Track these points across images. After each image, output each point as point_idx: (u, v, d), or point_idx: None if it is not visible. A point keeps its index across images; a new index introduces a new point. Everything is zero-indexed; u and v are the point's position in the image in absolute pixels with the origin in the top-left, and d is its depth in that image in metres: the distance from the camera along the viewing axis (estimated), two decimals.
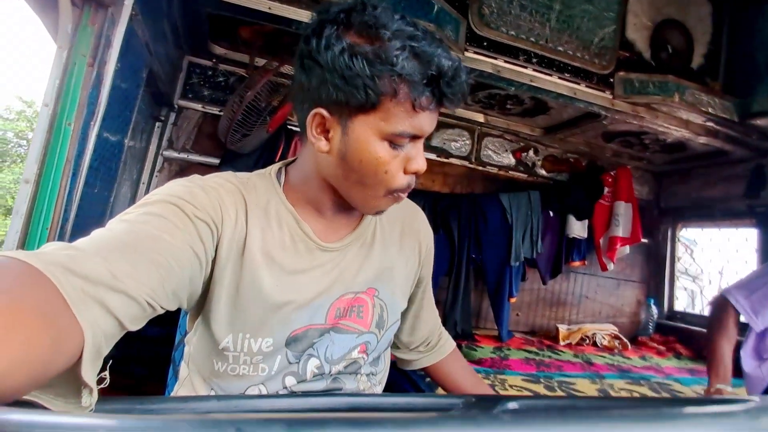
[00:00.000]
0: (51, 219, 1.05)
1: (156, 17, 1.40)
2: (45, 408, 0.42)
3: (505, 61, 1.81)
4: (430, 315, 1.04)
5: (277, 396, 0.76)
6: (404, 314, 0.98)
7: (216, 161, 2.07)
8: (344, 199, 0.76)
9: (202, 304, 0.74)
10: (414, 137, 0.68)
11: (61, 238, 1.09)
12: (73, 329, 0.43)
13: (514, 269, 2.43)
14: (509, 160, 2.67)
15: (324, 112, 0.68)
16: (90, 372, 0.44)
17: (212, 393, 0.78)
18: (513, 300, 2.46)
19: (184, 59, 2.08)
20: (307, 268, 0.77)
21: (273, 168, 0.83)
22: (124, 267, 0.51)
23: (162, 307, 0.58)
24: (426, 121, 0.67)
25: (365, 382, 0.86)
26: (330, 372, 0.80)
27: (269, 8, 1.50)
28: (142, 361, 1.37)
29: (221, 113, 2.06)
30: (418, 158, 0.69)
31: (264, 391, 0.76)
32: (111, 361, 0.51)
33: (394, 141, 0.67)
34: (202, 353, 0.79)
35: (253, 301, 0.73)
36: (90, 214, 1.23)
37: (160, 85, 1.75)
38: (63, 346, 0.41)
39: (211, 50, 2.05)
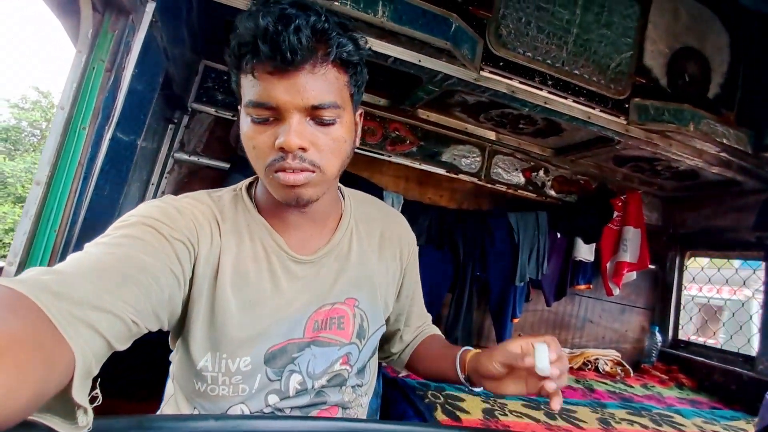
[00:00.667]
0: (60, 221, 1.06)
1: (175, 23, 1.41)
2: (47, 429, 0.42)
3: (520, 82, 1.81)
4: (421, 312, 1.07)
5: (277, 417, 0.75)
6: (395, 321, 1.02)
7: (225, 165, 2.07)
8: (296, 208, 0.76)
9: (182, 324, 0.74)
10: (267, 108, 0.64)
11: (68, 240, 1.09)
12: (63, 352, 0.43)
13: (518, 289, 2.42)
14: (519, 178, 2.65)
15: (240, 107, 0.71)
16: (81, 393, 0.44)
17: (195, 412, 0.77)
18: (516, 320, 2.44)
19: (200, 63, 2.09)
20: (282, 282, 0.76)
21: (244, 183, 0.84)
22: (107, 287, 0.52)
23: (146, 327, 0.58)
24: (271, 89, 0.63)
25: (350, 394, 0.85)
26: (313, 387, 0.79)
27: None
28: (141, 369, 1.36)
29: (234, 118, 2.06)
30: (284, 134, 0.64)
31: (246, 411, 0.75)
32: (99, 380, 0.51)
33: (251, 114, 0.66)
34: (183, 372, 0.78)
35: (229, 319, 0.72)
36: (99, 217, 1.23)
37: (175, 88, 1.75)
38: (54, 369, 0.42)
39: (227, 56, 2.06)
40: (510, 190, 2.64)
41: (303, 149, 0.65)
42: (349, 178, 2.06)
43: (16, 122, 13.32)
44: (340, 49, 0.66)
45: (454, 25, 1.58)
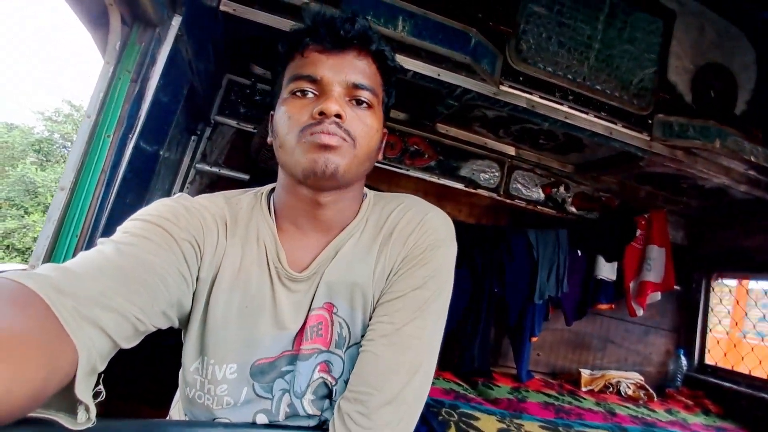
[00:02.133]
0: (81, 227, 1.08)
1: (201, 38, 1.45)
2: (47, 424, 0.43)
3: (541, 97, 1.80)
4: (387, 363, 0.70)
5: (287, 428, 0.73)
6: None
7: (245, 177, 2.11)
8: (305, 195, 0.73)
9: (187, 325, 0.73)
10: (311, 80, 0.69)
11: (89, 245, 1.11)
12: (67, 348, 0.44)
13: (537, 307, 2.37)
14: (538, 194, 2.62)
15: (272, 112, 0.76)
16: (84, 389, 0.45)
17: (185, 419, 0.76)
18: (534, 339, 2.39)
19: (224, 77, 2.14)
20: (281, 296, 0.74)
21: (267, 187, 0.83)
22: (114, 286, 0.53)
23: (153, 326, 0.59)
24: (318, 64, 0.69)
25: None
26: (304, 408, 0.74)
27: None
28: (154, 372, 1.37)
29: (255, 131, 2.10)
30: (325, 101, 0.67)
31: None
32: (102, 375, 0.52)
33: (293, 88, 0.70)
34: (180, 376, 0.77)
35: (223, 321, 0.71)
36: (119, 223, 1.25)
37: (199, 100, 1.79)
38: (58, 365, 0.42)
39: (251, 69, 2.11)
40: (529, 206, 2.60)
41: (340, 116, 0.67)
42: None
43: (48, 134, 13.84)
44: (380, 48, 0.73)
45: (473, 40, 1.59)
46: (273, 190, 0.82)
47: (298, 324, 0.75)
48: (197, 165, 2.12)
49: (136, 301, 0.54)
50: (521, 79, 1.77)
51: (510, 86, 1.75)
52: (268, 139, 0.78)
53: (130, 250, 0.59)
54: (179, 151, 2.01)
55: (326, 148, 0.66)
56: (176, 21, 1.17)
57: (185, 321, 0.73)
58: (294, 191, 0.74)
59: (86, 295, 0.48)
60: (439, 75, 1.64)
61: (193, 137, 2.09)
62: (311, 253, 0.77)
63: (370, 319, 0.76)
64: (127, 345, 0.54)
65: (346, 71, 0.69)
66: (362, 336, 0.75)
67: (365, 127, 0.71)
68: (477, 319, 2.34)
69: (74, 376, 0.44)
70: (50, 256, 1.07)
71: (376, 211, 0.82)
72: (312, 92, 0.69)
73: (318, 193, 0.72)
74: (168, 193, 2.03)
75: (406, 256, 0.76)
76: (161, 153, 1.49)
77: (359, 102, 0.71)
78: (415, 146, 2.39)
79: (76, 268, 0.52)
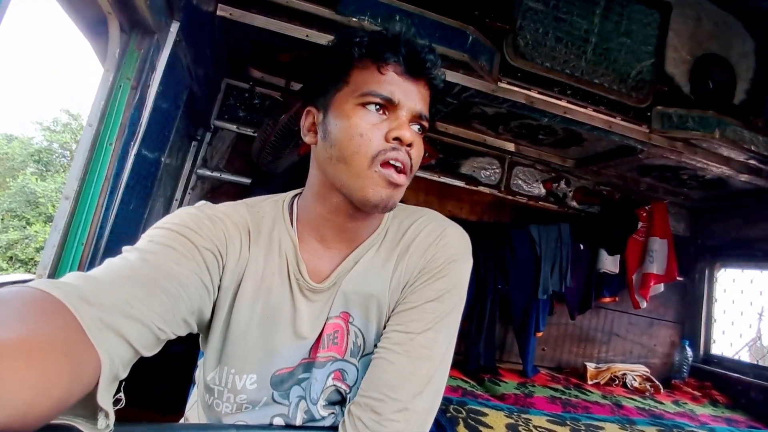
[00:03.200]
0: (87, 234, 1.08)
1: (198, 43, 1.45)
2: (67, 429, 0.44)
3: (539, 92, 1.80)
4: (399, 372, 0.70)
5: (302, 428, 0.74)
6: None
7: (247, 181, 2.11)
8: (345, 210, 0.73)
9: (206, 332, 0.74)
10: (387, 101, 0.69)
11: (95, 253, 1.11)
12: (90, 357, 0.44)
13: (541, 303, 2.37)
14: (539, 190, 2.63)
15: (312, 108, 0.76)
16: (106, 397, 0.46)
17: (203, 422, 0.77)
18: (539, 334, 2.39)
19: (223, 81, 2.15)
20: (301, 306, 0.75)
21: (288, 194, 0.83)
22: (137, 295, 0.53)
23: (174, 333, 0.60)
24: (395, 86, 0.70)
25: None
26: (319, 413, 0.76)
27: (306, 36, 1.54)
28: (165, 378, 1.37)
29: (255, 134, 2.10)
30: (401, 127, 0.69)
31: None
32: (123, 383, 0.53)
33: (365, 102, 0.69)
34: (199, 382, 0.78)
35: (244, 332, 0.72)
36: (124, 230, 1.26)
37: (198, 105, 1.80)
38: (81, 373, 0.43)
39: (249, 73, 2.12)
40: (531, 202, 2.61)
41: (411, 146, 0.70)
42: None
43: (47, 144, 13.83)
44: (439, 81, 0.75)
45: (471, 38, 1.59)
46: (295, 196, 0.83)
47: (316, 333, 0.76)
48: (198, 170, 2.13)
49: (157, 310, 0.55)
50: (519, 75, 1.77)
51: (508, 83, 1.75)
52: (308, 138, 0.77)
53: (153, 258, 0.60)
54: (180, 157, 2.01)
55: (396, 186, 0.69)
56: (174, 27, 1.18)
57: (204, 328, 0.74)
58: (329, 199, 0.74)
59: (110, 304, 0.49)
60: None
61: (193, 143, 2.09)
62: (331, 264, 0.77)
63: (384, 328, 0.76)
64: (148, 353, 0.55)
65: (416, 100, 0.71)
66: (375, 345, 0.75)
67: (420, 154, 0.73)
68: (482, 316, 2.34)
69: (96, 384, 0.44)
70: (57, 265, 1.07)
71: (395, 224, 0.82)
72: (383, 110, 0.70)
73: (356, 209, 0.72)
74: (170, 200, 2.04)
75: (423, 268, 0.77)
76: (163, 159, 1.49)
77: (418, 129, 0.73)
78: None
79: (101, 277, 0.52)
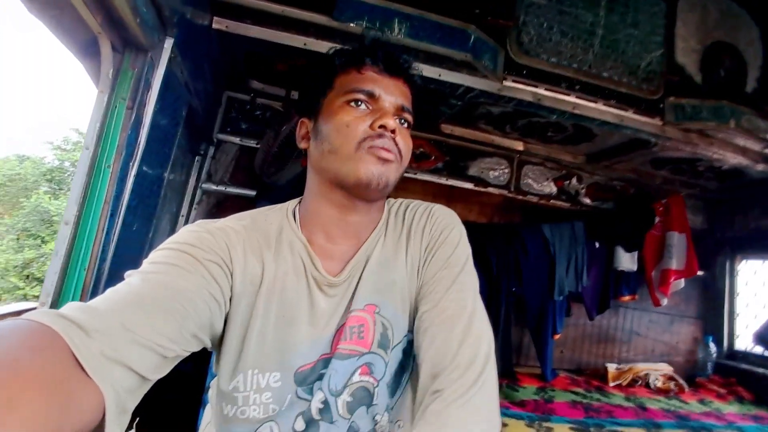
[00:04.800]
0: (89, 260, 1.06)
1: (195, 57, 1.43)
2: None
3: (547, 89, 1.75)
4: (440, 341, 0.70)
5: None
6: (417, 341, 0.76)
7: (252, 193, 2.09)
8: (345, 203, 0.79)
9: (221, 344, 0.75)
10: (369, 95, 0.77)
11: (98, 278, 1.09)
12: (90, 392, 0.44)
13: (557, 304, 2.31)
14: (550, 188, 2.57)
15: (304, 119, 0.85)
16: (116, 429, 0.47)
17: None
18: (557, 336, 2.33)
19: (224, 94, 2.13)
20: (318, 302, 0.77)
21: (291, 202, 0.88)
22: (140, 319, 0.54)
23: (185, 350, 0.61)
24: (375, 83, 0.78)
25: (385, 422, 0.78)
26: (337, 408, 0.75)
27: (304, 44, 1.51)
28: (173, 402, 1.35)
29: (258, 146, 2.08)
30: (384, 116, 0.75)
31: (276, 430, 0.73)
32: (138, 419, 0.52)
33: (350, 98, 0.76)
34: (215, 398, 0.78)
35: (263, 333, 0.73)
36: (128, 253, 1.24)
37: (199, 120, 1.78)
38: (78, 408, 0.43)
39: (249, 85, 2.10)
40: (542, 201, 2.55)
41: (394, 132, 0.75)
42: None
43: (59, 163, 14.03)
44: (417, 78, 0.86)
45: (472, 36, 1.55)
46: (298, 203, 0.88)
47: (334, 326, 0.77)
48: (203, 185, 2.11)
49: (162, 330, 0.56)
50: (525, 72, 1.73)
51: (514, 81, 1.70)
52: (302, 144, 0.84)
53: (155, 278, 0.61)
54: (183, 172, 1.99)
55: (384, 161, 0.74)
56: (168, 43, 1.15)
57: (218, 341, 0.74)
58: (328, 197, 0.79)
59: (110, 333, 0.49)
60: (440, 75, 1.61)
61: (197, 158, 2.07)
62: (342, 259, 0.81)
63: (414, 314, 0.80)
64: (157, 376, 0.56)
65: (397, 94, 0.79)
66: (408, 333, 0.80)
67: (407, 146, 0.79)
68: (496, 320, 2.28)
69: (103, 418, 0.45)
70: (60, 292, 1.05)
71: (392, 216, 0.88)
72: (366, 105, 0.77)
73: (355, 199, 0.78)
74: (176, 216, 2.02)
75: (426, 246, 0.83)
76: (165, 177, 1.47)
77: (403, 122, 0.80)
78: (421, 149, 2.35)
79: (101, 306, 0.53)
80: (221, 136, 2.13)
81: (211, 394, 0.83)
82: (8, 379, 0.38)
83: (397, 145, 0.75)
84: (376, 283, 0.80)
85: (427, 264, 0.81)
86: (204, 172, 2.12)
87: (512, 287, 2.30)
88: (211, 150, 2.13)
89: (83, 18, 0.89)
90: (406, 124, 0.81)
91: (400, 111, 0.79)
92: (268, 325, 0.73)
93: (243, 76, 2.05)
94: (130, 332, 0.51)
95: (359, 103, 0.76)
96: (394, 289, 0.80)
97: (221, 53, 1.70)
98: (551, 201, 2.56)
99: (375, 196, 0.78)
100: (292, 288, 0.76)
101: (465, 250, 0.83)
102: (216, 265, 0.68)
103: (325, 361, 0.76)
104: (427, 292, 0.78)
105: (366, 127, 0.74)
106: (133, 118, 1.08)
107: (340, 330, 0.77)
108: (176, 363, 0.60)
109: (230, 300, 0.72)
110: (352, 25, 1.47)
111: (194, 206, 2.11)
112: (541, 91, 1.75)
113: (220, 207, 2.13)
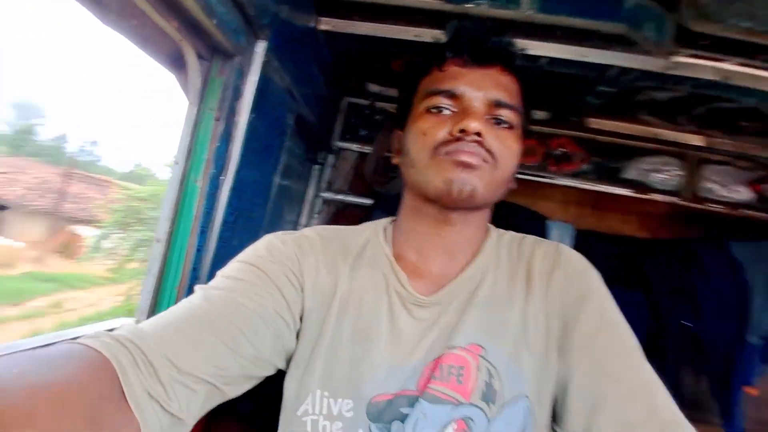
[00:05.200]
0: (179, 278, 1.03)
1: (298, 61, 1.35)
2: None
3: (738, 64, 1.32)
4: (626, 398, 0.62)
5: None
6: (566, 390, 0.66)
7: (370, 202, 2.00)
8: (434, 215, 0.72)
9: (288, 363, 0.70)
10: (449, 95, 0.68)
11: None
12: (130, 423, 0.43)
13: (753, 347, 1.77)
14: (742, 194, 1.97)
15: (398, 130, 0.79)
16: None
17: None
18: (752, 391, 1.78)
19: (343, 100, 2.07)
20: (401, 323, 0.68)
21: (387, 218, 0.84)
22: (186, 350, 0.52)
23: (245, 375, 0.60)
24: (458, 78, 0.68)
25: None
26: None
27: (415, 35, 1.35)
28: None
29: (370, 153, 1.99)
30: (465, 118, 0.65)
31: None
32: None
33: (429, 105, 0.69)
34: (282, 426, 0.72)
35: (336, 348, 0.67)
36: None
37: (313, 128, 1.72)
38: None
39: (366, 88, 2.02)
40: (730, 211, 1.97)
41: (480, 134, 0.65)
42: (504, 208, 1.77)
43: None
44: (518, 61, 0.72)
45: (629, 0, 1.21)
46: (392, 221, 0.83)
47: (421, 356, 0.67)
48: (323, 194, 2.08)
49: (211, 359, 0.54)
50: (704, 43, 1.31)
51: (690, 55, 1.31)
52: (395, 159, 0.79)
53: (217, 295, 0.60)
54: (302, 182, 1.98)
55: (465, 166, 0.64)
56: (260, 47, 1.07)
57: (288, 362, 0.70)
58: (420, 212, 0.74)
59: (156, 364, 0.48)
60: (584, 56, 1.29)
61: (315, 166, 2.05)
62: (435, 280, 0.73)
63: (538, 373, 0.66)
64: (203, 410, 0.54)
65: (488, 87, 0.68)
66: (525, 397, 0.64)
67: (506, 149, 0.68)
68: (662, 359, 1.84)
69: None
70: (153, 311, 1.04)
71: (504, 247, 0.77)
72: (449, 109, 0.68)
73: (446, 212, 0.70)
74: (295, 226, 2.02)
75: (560, 296, 0.70)
76: (272, 188, 1.43)
77: (499, 122, 0.68)
78: (561, 148, 2.00)
79: (154, 328, 0.52)
80: (341, 144, 2.08)
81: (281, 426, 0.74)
82: (55, 410, 0.37)
83: (485, 147, 0.65)
84: (484, 320, 0.68)
85: (568, 317, 0.68)
86: (324, 180, 2.09)
87: (684, 320, 1.83)
88: (331, 158, 2.09)
89: (159, 25, 0.83)
90: (506, 124, 0.68)
91: (492, 108, 0.67)
92: (341, 341, 0.67)
93: (360, 80, 1.97)
94: (175, 368, 0.49)
95: (441, 109, 0.68)
96: (506, 334, 0.67)
97: (333, 56, 1.62)
98: (744, 211, 1.97)
99: (463, 206, 0.68)
100: (371, 302, 0.70)
101: (605, 290, 0.71)
102: (285, 279, 0.66)
103: (409, 399, 0.64)
104: (581, 357, 0.65)
105: (445, 133, 0.66)
106: (222, 129, 1.02)
107: (433, 366, 0.65)
108: (246, 387, 0.60)
109: (301, 316, 0.69)
110: (468, 5, 1.25)
111: (314, 215, 2.09)
112: (730, 66, 1.32)
113: (338, 215, 2.09)
